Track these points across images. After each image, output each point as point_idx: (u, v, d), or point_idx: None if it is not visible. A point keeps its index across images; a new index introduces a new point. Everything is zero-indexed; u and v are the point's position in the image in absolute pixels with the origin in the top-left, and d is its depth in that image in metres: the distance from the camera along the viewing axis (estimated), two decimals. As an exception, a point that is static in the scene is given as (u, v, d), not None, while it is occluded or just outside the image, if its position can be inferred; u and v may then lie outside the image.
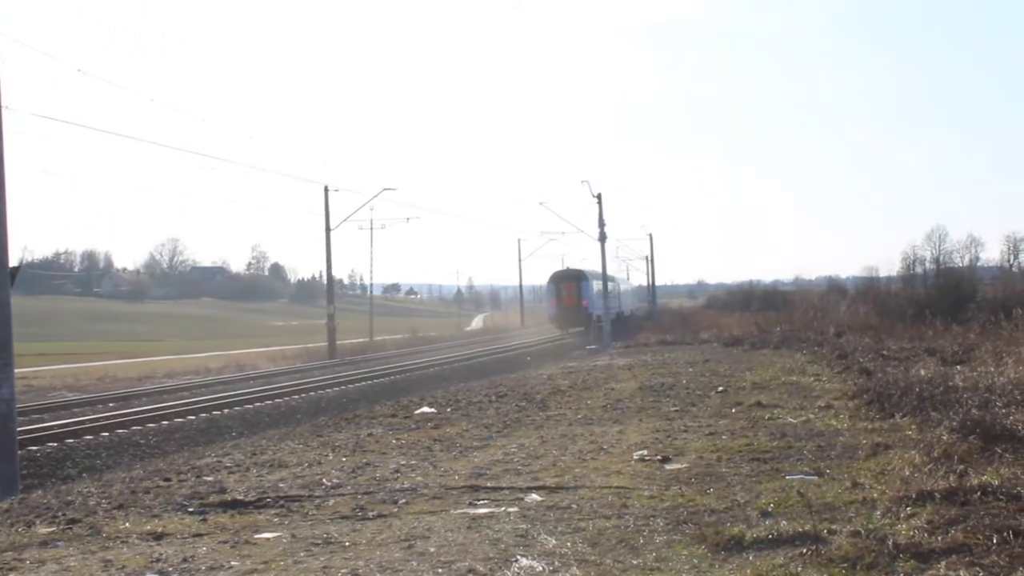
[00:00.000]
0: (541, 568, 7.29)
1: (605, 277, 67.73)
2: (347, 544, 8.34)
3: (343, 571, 7.45)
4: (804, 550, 7.34)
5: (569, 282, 71.46)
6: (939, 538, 7.36)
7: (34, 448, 21.43)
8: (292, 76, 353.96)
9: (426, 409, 20.30)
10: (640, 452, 12.71)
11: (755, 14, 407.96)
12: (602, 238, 62.76)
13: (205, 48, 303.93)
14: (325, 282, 69.01)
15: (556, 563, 7.41)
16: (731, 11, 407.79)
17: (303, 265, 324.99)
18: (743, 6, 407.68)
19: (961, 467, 9.64)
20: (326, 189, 58.53)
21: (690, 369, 27.15)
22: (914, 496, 8.67)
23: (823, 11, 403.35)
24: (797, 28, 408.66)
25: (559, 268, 77.94)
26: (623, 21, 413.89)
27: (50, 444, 22.16)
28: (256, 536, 8.84)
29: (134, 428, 24.77)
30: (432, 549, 8.00)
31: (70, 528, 9.73)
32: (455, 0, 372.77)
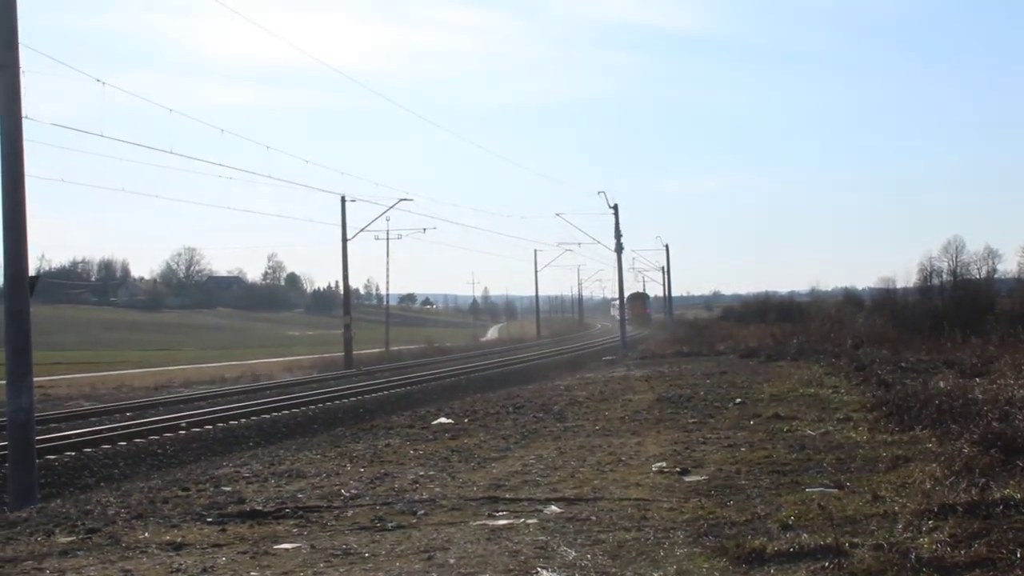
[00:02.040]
0: (561, 580, 7.26)
1: (621, 288, 67.66)
2: (366, 555, 8.33)
3: (363, 582, 7.44)
4: (826, 563, 7.31)
5: (638, 299, 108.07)
6: (962, 552, 7.32)
7: (52, 457, 21.48)
8: (310, 86, 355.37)
9: (443, 420, 20.30)
10: (659, 464, 12.67)
11: (773, 27, 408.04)
12: (618, 249, 62.85)
13: (223, 59, 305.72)
14: (341, 292, 69.12)
15: (576, 575, 7.39)
16: (750, 24, 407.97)
17: (319, 275, 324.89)
18: (762, 19, 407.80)
19: (983, 480, 9.59)
20: (343, 199, 58.63)
21: (707, 381, 27.09)
22: (936, 509, 8.63)
23: (841, 23, 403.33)
24: (815, 40, 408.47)
25: (633, 291, 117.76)
26: (642, 32, 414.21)
27: (68, 453, 22.22)
28: (275, 547, 8.84)
29: (151, 437, 24.83)
30: (452, 561, 7.98)
31: (89, 537, 9.74)
32: (473, 7, 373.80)
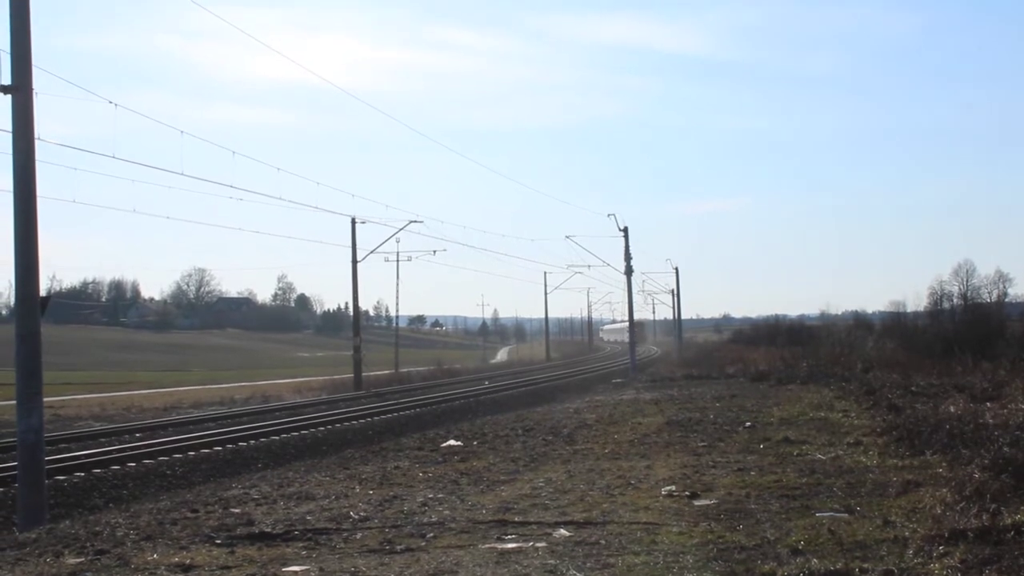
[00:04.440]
0: (570, 604, 7.24)
1: (631, 311, 67.56)
2: (375, 578, 8.31)
3: (372, 605, 7.41)
4: (836, 589, 7.28)
5: (637, 326, 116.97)
6: (973, 578, 7.29)
7: (61, 478, 21.47)
8: (321, 108, 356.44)
9: (452, 442, 20.27)
10: (668, 487, 12.64)
11: (783, 51, 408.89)
12: (628, 272, 62.77)
13: (234, 81, 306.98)
14: (351, 314, 69.14)
15: (585, 599, 7.37)
16: (760, 48, 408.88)
17: (329, 296, 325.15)
18: (772, 43, 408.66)
19: (994, 506, 9.55)
20: (353, 221, 58.74)
21: (717, 404, 27.02)
22: (946, 535, 8.59)
23: (851, 48, 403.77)
24: (825, 65, 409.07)
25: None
26: (652, 56, 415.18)
27: (77, 474, 22.21)
28: (284, 569, 8.82)
29: (160, 458, 24.82)
30: (460, 584, 7.97)
31: (98, 559, 9.73)
32: (483, 30, 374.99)
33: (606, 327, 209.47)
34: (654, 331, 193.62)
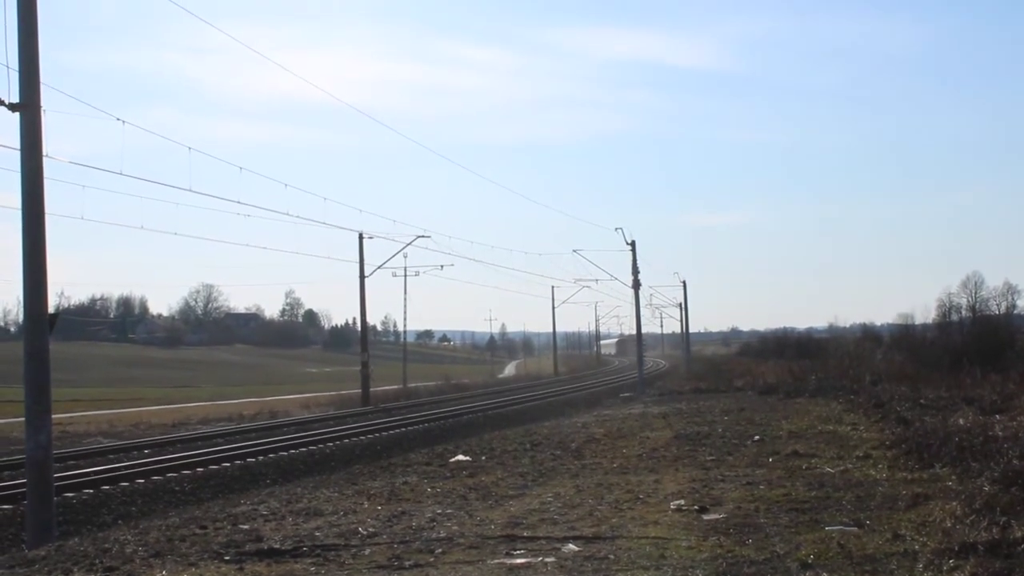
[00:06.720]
0: (580, 620, 7.22)
1: (639, 325, 67.42)
2: (384, 594, 8.29)
3: (381, 621, 7.40)
4: (846, 603, 7.25)
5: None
6: (984, 592, 7.26)
7: (70, 495, 21.48)
8: (328, 124, 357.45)
9: (461, 457, 20.25)
10: (677, 502, 12.62)
11: (790, 63, 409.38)
12: (636, 285, 62.65)
13: (241, 97, 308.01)
14: (359, 329, 69.15)
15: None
16: (767, 60, 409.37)
17: (337, 312, 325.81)
18: (778, 56, 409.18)
19: (1004, 519, 9.53)
20: (361, 236, 58.78)
21: (725, 418, 26.99)
22: (956, 548, 8.57)
23: (858, 60, 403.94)
24: (832, 77, 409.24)
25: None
26: (660, 69, 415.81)
27: (86, 491, 22.21)
28: (293, 585, 8.81)
29: (169, 475, 24.82)
30: (469, 600, 7.96)
31: (107, 576, 9.73)
32: (491, 45, 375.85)
33: (601, 343, 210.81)
34: (662, 344, 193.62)
